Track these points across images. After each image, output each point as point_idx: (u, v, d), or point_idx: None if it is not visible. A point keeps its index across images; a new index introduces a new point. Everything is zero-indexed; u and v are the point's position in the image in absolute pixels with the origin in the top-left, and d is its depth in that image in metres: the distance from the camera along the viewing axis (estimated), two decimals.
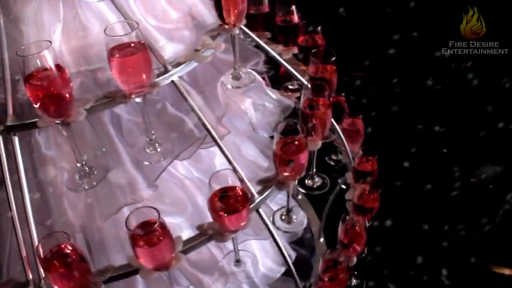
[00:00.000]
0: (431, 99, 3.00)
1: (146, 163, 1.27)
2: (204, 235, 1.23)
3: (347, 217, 1.56)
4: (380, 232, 2.25)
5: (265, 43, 1.60)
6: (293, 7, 1.80)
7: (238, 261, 1.40)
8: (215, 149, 1.57)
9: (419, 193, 2.55)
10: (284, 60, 1.60)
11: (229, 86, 1.49)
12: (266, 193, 1.32)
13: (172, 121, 1.35)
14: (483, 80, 2.98)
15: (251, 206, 1.28)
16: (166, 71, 1.24)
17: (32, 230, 1.15)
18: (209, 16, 1.44)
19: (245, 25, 1.41)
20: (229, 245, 1.59)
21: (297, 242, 2.11)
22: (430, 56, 2.92)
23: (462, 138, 2.77)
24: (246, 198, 1.20)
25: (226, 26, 1.37)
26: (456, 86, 3.02)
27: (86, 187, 1.20)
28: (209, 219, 1.23)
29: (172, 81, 1.25)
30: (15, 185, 1.15)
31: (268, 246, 1.89)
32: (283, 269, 1.88)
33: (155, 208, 1.09)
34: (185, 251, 1.21)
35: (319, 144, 1.45)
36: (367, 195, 1.64)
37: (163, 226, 1.10)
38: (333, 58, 1.56)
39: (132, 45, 1.10)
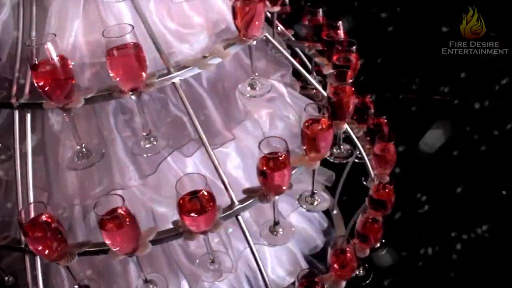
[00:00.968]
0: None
1: (139, 156, 1.38)
2: (176, 230, 1.31)
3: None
4: None
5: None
6: (340, 23, 1.81)
7: (213, 261, 1.46)
8: (230, 151, 1.66)
9: None
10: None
11: (246, 95, 1.54)
12: (247, 203, 1.37)
13: (173, 120, 1.44)
14: None
15: (228, 213, 1.35)
16: (168, 73, 1.33)
17: (30, 196, 1.32)
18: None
19: None
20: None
21: (317, 256, 2.12)
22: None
23: None
24: (212, 202, 1.25)
25: (243, 37, 1.43)
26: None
27: (81, 168, 1.34)
28: None
29: (173, 83, 1.34)
30: (23, 157, 1.33)
31: (282, 254, 1.92)
32: (292, 279, 1.91)
33: (120, 196, 1.19)
34: (154, 241, 1.30)
35: (344, 127, 1.55)
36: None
37: (128, 213, 1.20)
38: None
39: (128, 46, 1.21)
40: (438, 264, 2.22)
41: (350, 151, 1.73)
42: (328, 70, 1.69)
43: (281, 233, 1.52)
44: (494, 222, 2.32)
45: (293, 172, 1.42)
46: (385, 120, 1.90)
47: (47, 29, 1.30)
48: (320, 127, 1.41)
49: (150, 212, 1.51)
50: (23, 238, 1.33)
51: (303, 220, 2.01)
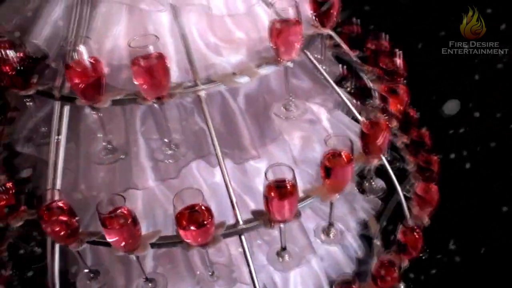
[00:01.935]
0: None
1: (159, 160, 1.43)
2: (177, 238, 1.35)
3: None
4: None
5: None
6: (398, 52, 1.74)
7: (212, 273, 1.48)
8: (261, 167, 1.66)
9: None
10: None
11: (279, 116, 1.54)
12: (251, 224, 1.37)
13: (197, 130, 1.47)
14: None
15: (230, 231, 1.36)
16: (194, 85, 1.37)
17: (57, 183, 1.43)
18: None
19: None
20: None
21: None
22: None
23: None
24: (209, 218, 1.27)
25: (278, 58, 1.42)
26: None
27: (105, 163, 1.43)
28: None
29: (198, 96, 1.38)
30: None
31: (306, 274, 1.89)
32: None
33: (122, 196, 1.26)
34: (154, 245, 1.35)
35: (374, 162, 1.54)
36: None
37: (130, 213, 1.27)
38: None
39: (152, 56, 1.26)
40: None
41: (382, 188, 1.65)
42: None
43: (287, 259, 1.50)
44: None
45: (306, 202, 1.40)
46: (436, 157, 1.78)
47: (92, 30, 1.39)
48: (339, 161, 1.37)
49: (169, 215, 1.57)
50: None
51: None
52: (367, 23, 2.06)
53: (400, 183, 1.84)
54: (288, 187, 1.29)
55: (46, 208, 1.32)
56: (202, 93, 1.37)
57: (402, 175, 1.81)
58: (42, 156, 1.54)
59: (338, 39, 1.88)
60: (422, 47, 2.96)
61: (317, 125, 1.65)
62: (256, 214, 1.39)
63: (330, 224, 1.56)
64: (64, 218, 1.32)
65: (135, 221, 1.28)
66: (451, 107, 2.66)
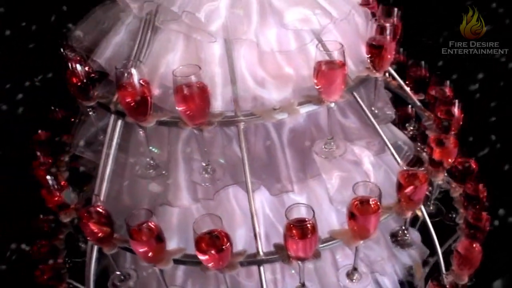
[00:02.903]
0: None
1: (196, 181, 1.51)
2: (198, 258, 1.41)
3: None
4: None
5: None
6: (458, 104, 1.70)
7: None
8: (300, 199, 1.68)
9: None
10: None
11: (319, 154, 1.56)
12: (271, 257, 1.40)
13: (234, 158, 1.53)
14: None
15: (249, 260, 1.40)
16: (234, 116, 1.43)
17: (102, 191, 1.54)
18: None
19: None
20: None
21: None
22: None
23: None
24: (224, 244, 1.32)
25: (322, 98, 1.45)
26: None
27: (146, 177, 1.53)
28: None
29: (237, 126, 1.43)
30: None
31: None
32: None
33: (150, 211, 1.35)
34: (176, 261, 1.43)
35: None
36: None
37: (156, 228, 1.35)
38: None
39: (194, 86, 1.34)
40: None
41: (417, 240, 1.60)
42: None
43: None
44: None
45: (328, 244, 1.40)
46: (486, 215, 1.69)
47: (150, 54, 1.50)
48: (366, 208, 1.36)
49: None
50: None
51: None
52: None
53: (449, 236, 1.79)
54: (308, 227, 1.31)
55: (86, 211, 1.44)
56: (241, 125, 1.43)
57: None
58: (98, 162, 1.68)
59: (400, 81, 1.87)
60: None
61: (358, 167, 1.64)
62: (278, 247, 1.41)
63: (354, 269, 1.54)
64: (100, 222, 1.44)
65: (160, 237, 1.36)
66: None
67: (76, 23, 1.69)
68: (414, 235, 1.60)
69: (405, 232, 1.58)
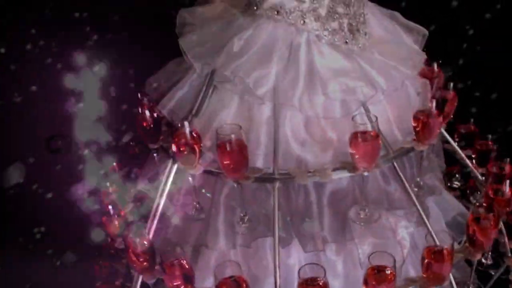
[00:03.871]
0: None
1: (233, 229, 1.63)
2: None
3: None
4: None
5: None
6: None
7: None
8: (335, 259, 1.74)
9: None
10: None
11: (352, 220, 1.62)
12: None
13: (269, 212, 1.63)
14: None
15: None
16: (271, 174, 1.54)
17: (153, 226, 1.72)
18: None
19: None
20: None
21: None
22: None
23: None
24: None
25: (356, 166, 1.52)
26: None
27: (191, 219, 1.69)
28: None
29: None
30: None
31: None
32: None
33: (183, 250, 1.51)
34: None
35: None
36: None
37: (188, 266, 1.50)
38: None
39: (234, 143, 1.47)
40: None
41: None
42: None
43: None
44: None
45: None
46: None
47: (207, 108, 1.67)
48: (382, 277, 1.39)
49: None
50: None
51: None
52: None
53: None
54: (320, 285, 1.38)
55: (132, 241, 1.61)
56: (276, 183, 1.54)
57: None
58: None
59: (448, 137, 1.88)
60: None
61: (393, 236, 1.66)
62: None
63: None
64: (142, 254, 1.60)
65: (189, 277, 1.50)
66: None
67: None
68: None
69: None
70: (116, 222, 1.81)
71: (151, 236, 1.66)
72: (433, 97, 1.69)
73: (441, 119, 1.62)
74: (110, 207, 1.80)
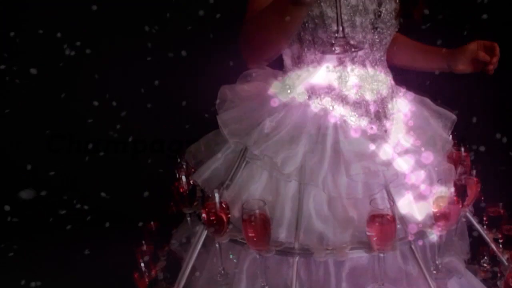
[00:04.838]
0: None
1: None
2: None
3: None
4: None
5: None
6: None
7: None
8: None
9: None
10: None
11: None
12: None
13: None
14: None
15: None
16: (291, 248, 1.63)
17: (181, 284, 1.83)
18: None
19: None
20: None
21: None
22: None
23: None
24: None
25: (373, 247, 1.59)
26: None
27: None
28: None
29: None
30: None
31: None
32: None
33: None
34: None
35: None
36: None
37: None
38: None
39: (258, 217, 1.58)
40: None
41: None
42: None
43: None
44: None
45: None
46: None
47: (238, 180, 1.80)
48: None
49: None
50: None
51: None
52: None
53: None
54: None
55: None
56: (296, 257, 1.63)
57: None
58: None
59: (472, 221, 1.91)
60: None
61: None
62: None
63: None
64: None
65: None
66: None
67: None
68: None
69: None
70: (147, 280, 1.93)
71: None
72: (455, 183, 1.75)
73: (460, 206, 1.68)
74: (142, 264, 1.93)
